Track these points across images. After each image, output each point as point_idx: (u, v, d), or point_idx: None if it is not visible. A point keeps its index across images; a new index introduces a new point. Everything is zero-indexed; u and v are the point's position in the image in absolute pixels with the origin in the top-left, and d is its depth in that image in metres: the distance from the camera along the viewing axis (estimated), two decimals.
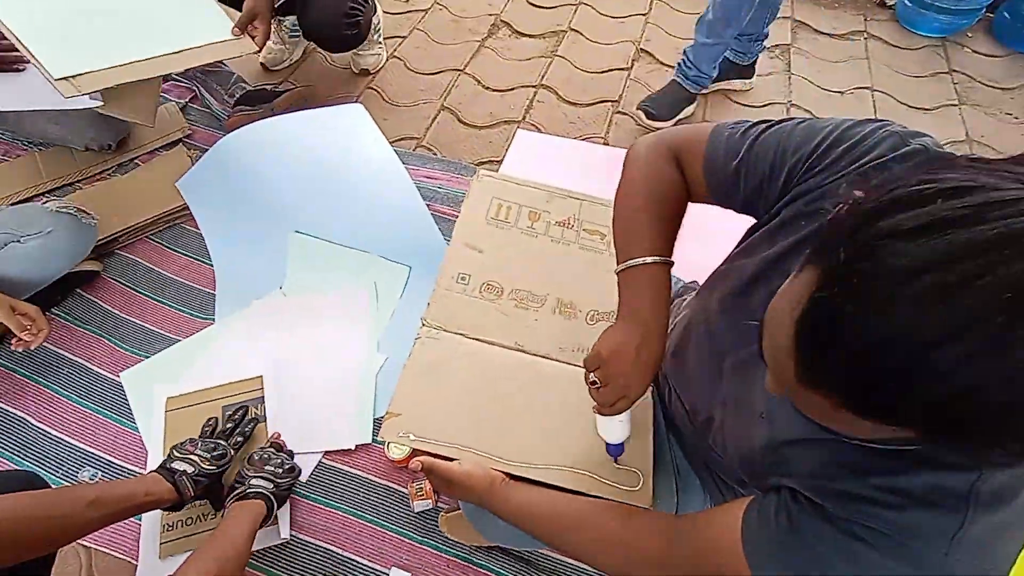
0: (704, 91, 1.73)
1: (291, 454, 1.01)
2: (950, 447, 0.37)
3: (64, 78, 0.96)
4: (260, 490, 0.89)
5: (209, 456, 0.91)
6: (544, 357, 0.80)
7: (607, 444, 0.68)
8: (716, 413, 0.61)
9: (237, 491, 0.89)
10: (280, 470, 0.94)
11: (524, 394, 0.77)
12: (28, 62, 0.99)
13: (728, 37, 1.58)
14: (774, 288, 0.40)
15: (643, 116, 1.70)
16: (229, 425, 1.02)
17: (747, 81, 1.80)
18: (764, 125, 0.57)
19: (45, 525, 0.65)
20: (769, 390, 0.43)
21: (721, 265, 0.63)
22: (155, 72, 1.08)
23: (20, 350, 1.03)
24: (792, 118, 0.56)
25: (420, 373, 0.76)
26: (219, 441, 0.96)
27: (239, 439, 1.01)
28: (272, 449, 0.98)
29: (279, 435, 1.04)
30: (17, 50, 1.05)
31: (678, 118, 1.71)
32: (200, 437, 0.97)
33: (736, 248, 0.61)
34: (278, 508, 0.92)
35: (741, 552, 0.47)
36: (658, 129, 1.55)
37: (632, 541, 0.57)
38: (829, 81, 1.92)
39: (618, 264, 0.63)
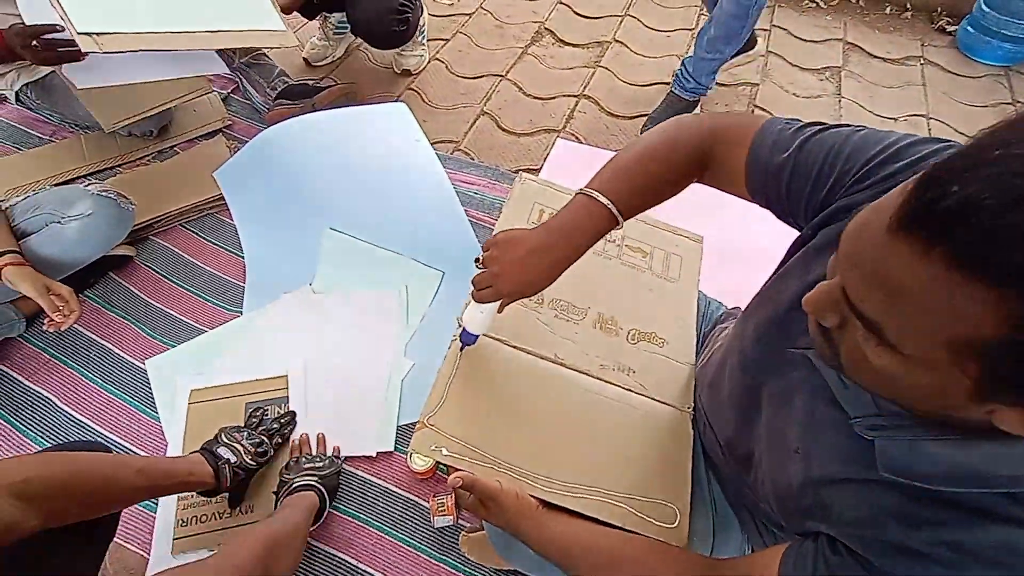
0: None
1: (321, 454, 1.00)
2: None
3: (87, 33, 0.93)
4: (308, 483, 0.88)
5: (253, 451, 0.90)
6: (585, 373, 0.76)
7: (462, 330, 0.69)
8: (755, 448, 0.57)
9: (285, 488, 0.88)
10: (320, 463, 0.94)
11: (563, 412, 0.72)
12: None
13: (728, 53, 1.59)
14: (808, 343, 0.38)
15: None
16: (275, 426, 1.00)
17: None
18: (821, 126, 0.53)
19: (98, 484, 0.65)
20: (813, 309, 0.38)
21: (760, 291, 0.60)
22: (182, 46, 1.06)
23: (51, 330, 1.02)
24: (852, 124, 0.52)
25: (456, 380, 0.72)
26: (263, 438, 0.94)
27: (279, 440, 1.00)
28: (304, 456, 0.97)
29: (307, 436, 1.03)
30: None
31: None
32: (246, 427, 0.96)
33: (774, 272, 0.58)
34: (330, 501, 0.92)
35: None
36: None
37: None
38: (881, 106, 1.85)
39: (586, 185, 0.61)
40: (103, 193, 1.11)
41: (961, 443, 0.37)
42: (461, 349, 0.72)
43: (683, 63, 1.66)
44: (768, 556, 0.47)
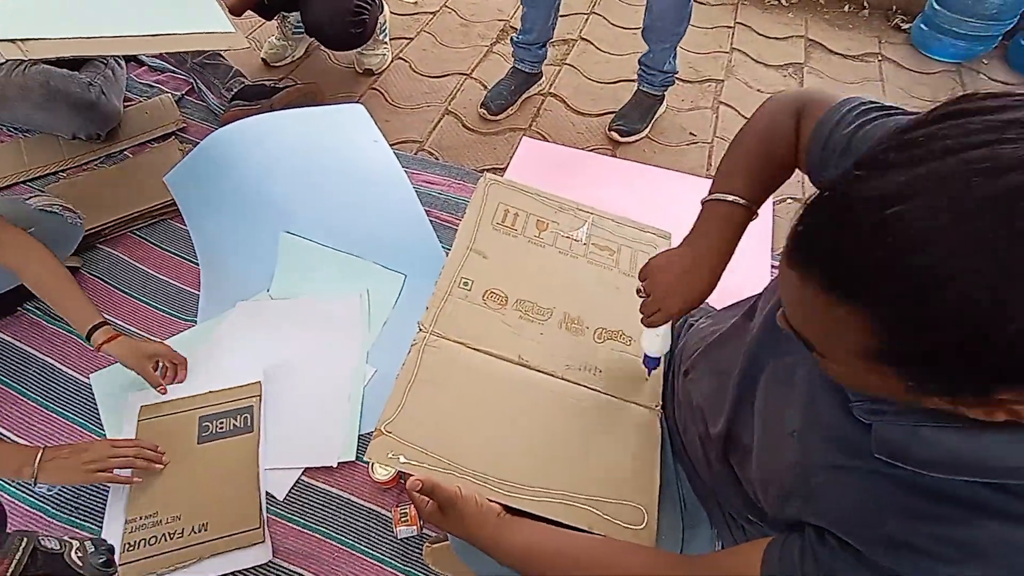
0: (516, 104, 1.72)
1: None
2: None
3: (10, 40, 0.87)
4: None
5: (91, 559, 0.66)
6: (550, 375, 0.74)
7: (644, 356, 0.70)
8: (746, 434, 0.56)
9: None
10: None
11: (527, 415, 0.70)
12: None
13: (682, 32, 1.53)
14: None
15: (618, 136, 1.65)
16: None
17: (539, 83, 1.76)
18: (890, 110, 0.48)
19: None
20: (782, 327, 0.40)
21: (769, 285, 0.60)
22: (118, 51, 1.01)
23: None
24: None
25: (415, 385, 0.70)
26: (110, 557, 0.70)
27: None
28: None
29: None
30: None
31: (652, 121, 1.70)
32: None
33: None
34: None
35: None
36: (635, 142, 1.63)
37: None
38: None
39: (708, 194, 0.63)
40: (47, 208, 1.04)
41: (963, 431, 0.36)
42: (648, 374, 0.73)
43: (640, 62, 1.64)
44: (748, 553, 0.46)
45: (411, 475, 0.62)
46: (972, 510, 0.35)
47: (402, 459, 0.63)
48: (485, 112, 1.70)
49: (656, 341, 0.68)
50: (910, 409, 0.38)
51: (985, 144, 0.27)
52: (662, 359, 0.71)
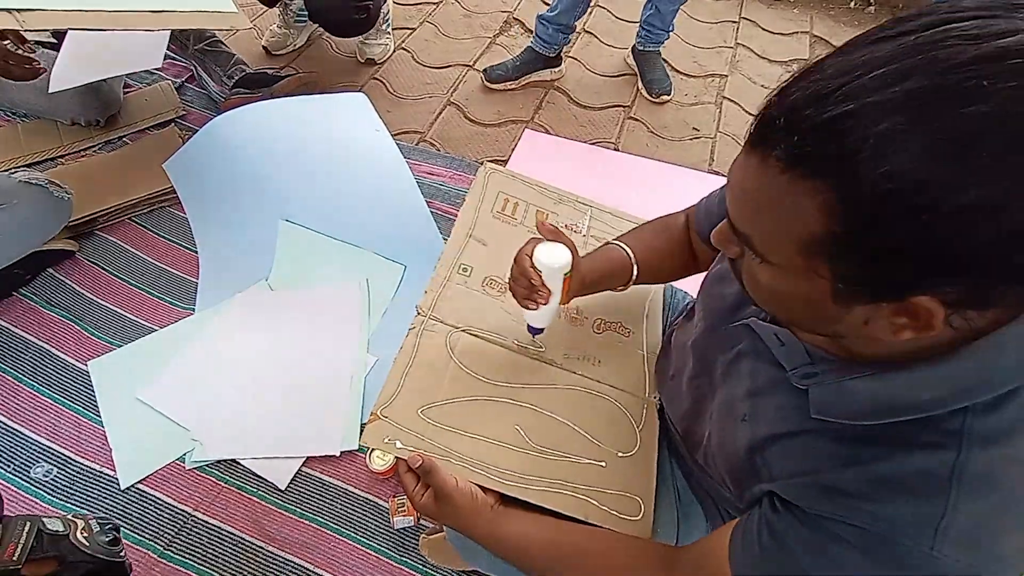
0: (518, 81, 1.76)
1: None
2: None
3: (6, 9, 0.86)
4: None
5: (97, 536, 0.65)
6: (548, 363, 0.73)
7: (528, 325, 0.70)
8: (706, 428, 0.57)
9: None
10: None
11: (524, 402, 0.70)
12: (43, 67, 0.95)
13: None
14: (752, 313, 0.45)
15: (666, 96, 1.74)
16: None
17: (556, 70, 1.80)
18: None
19: None
20: (716, 241, 0.42)
21: (701, 288, 0.62)
22: (116, 25, 1.00)
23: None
24: None
25: (412, 370, 0.69)
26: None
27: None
28: None
29: None
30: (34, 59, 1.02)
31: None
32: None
33: (713, 267, 0.62)
34: None
35: None
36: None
37: (631, 572, 0.53)
38: None
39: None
40: (31, 180, 1.02)
41: (881, 376, 0.38)
42: (533, 338, 0.73)
43: (647, 23, 1.70)
44: (719, 535, 0.47)
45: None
46: (888, 446, 0.38)
47: (398, 444, 0.62)
48: (483, 77, 1.74)
49: (540, 312, 0.66)
50: (836, 367, 0.41)
51: (970, 18, 0.29)
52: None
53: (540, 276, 0.61)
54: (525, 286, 0.62)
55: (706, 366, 0.58)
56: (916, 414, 0.36)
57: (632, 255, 0.68)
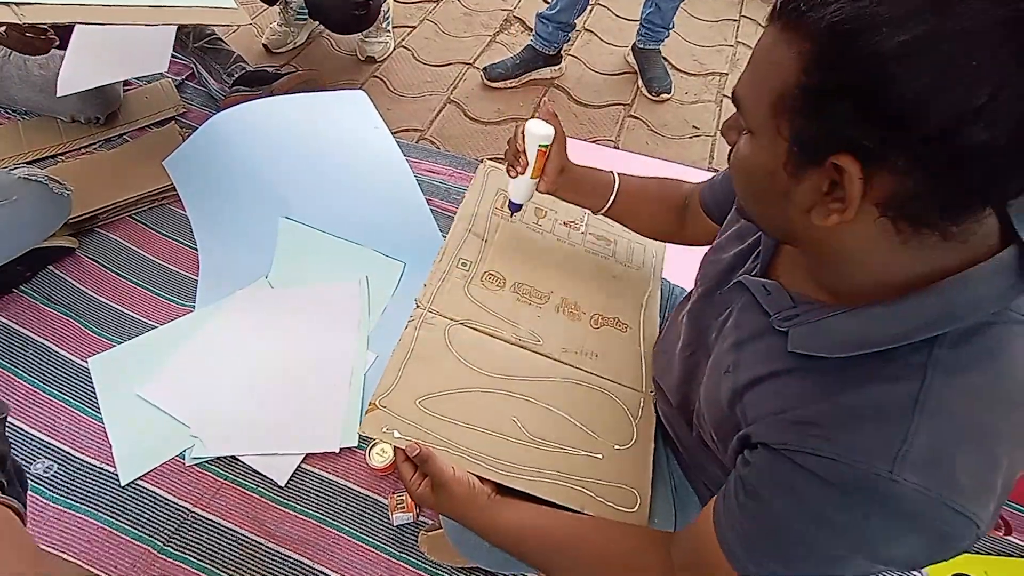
0: (518, 79, 1.78)
1: None
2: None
3: (5, 3, 0.86)
4: None
5: None
6: (546, 356, 0.73)
7: (509, 202, 0.76)
8: (693, 396, 0.58)
9: None
10: None
11: (522, 395, 0.70)
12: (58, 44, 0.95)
13: None
14: (745, 271, 0.49)
15: (666, 95, 1.75)
16: None
17: (556, 68, 1.81)
18: None
19: None
20: (723, 129, 0.45)
21: (704, 256, 0.65)
22: (115, 20, 0.99)
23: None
24: None
25: (410, 361, 0.69)
26: None
27: None
28: None
29: None
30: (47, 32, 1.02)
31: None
32: None
33: (711, 248, 0.64)
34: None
35: (720, 551, 0.44)
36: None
37: (628, 558, 0.52)
38: None
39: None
40: (31, 177, 1.02)
41: (855, 312, 0.40)
42: (511, 215, 0.79)
43: (647, 21, 1.71)
44: (706, 511, 0.48)
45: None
46: (857, 379, 0.39)
47: (396, 434, 0.62)
48: (483, 76, 1.74)
49: (523, 187, 0.73)
50: (816, 309, 0.44)
51: None
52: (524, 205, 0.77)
53: (523, 143, 0.69)
54: (512, 151, 0.70)
55: (699, 333, 0.59)
56: (884, 346, 0.38)
57: (617, 181, 0.74)
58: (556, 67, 1.79)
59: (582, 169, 0.75)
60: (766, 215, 0.45)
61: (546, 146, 0.69)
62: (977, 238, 0.36)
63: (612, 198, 0.74)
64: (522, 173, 0.70)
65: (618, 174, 0.75)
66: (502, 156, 0.76)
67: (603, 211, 0.75)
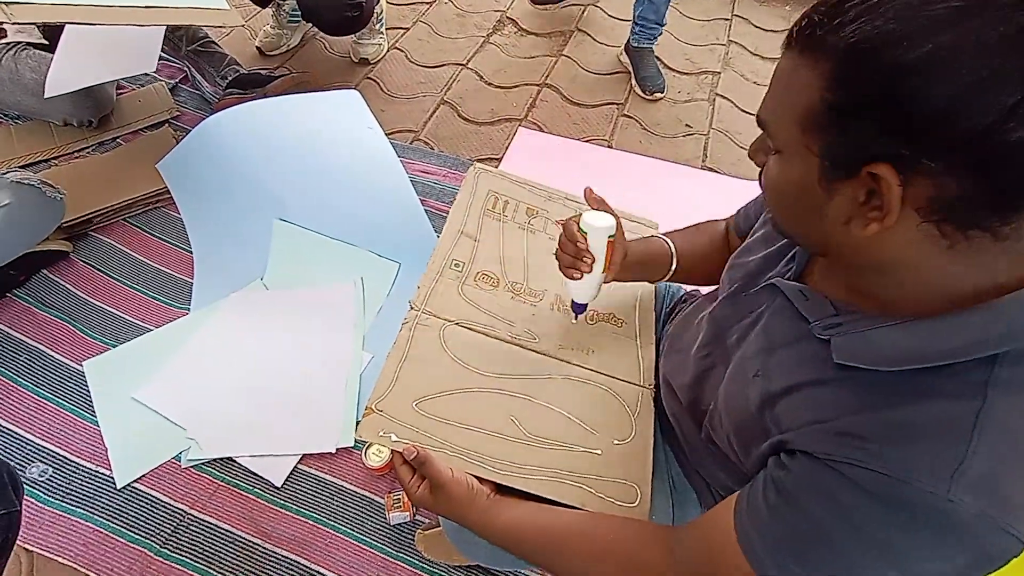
0: (557, 4, 1.97)
1: None
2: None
3: None
4: None
5: None
6: (543, 354, 0.74)
7: (572, 302, 0.72)
8: (706, 395, 0.58)
9: None
10: None
11: (519, 393, 0.70)
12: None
13: None
14: (776, 274, 0.48)
15: (659, 94, 1.77)
16: None
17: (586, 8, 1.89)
18: None
19: None
20: (751, 152, 0.46)
21: (727, 266, 0.64)
22: (106, 20, 0.99)
23: None
24: None
25: (406, 363, 0.69)
26: None
27: None
28: None
29: None
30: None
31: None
32: None
33: (736, 252, 0.63)
34: None
35: (739, 549, 0.43)
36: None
37: (630, 552, 0.52)
38: None
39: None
40: (23, 180, 1.02)
41: (903, 325, 0.40)
42: (575, 318, 0.74)
43: (640, 18, 1.73)
44: (723, 506, 0.47)
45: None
46: (911, 394, 0.38)
47: (393, 437, 0.62)
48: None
49: (585, 287, 0.69)
50: (860, 318, 0.43)
51: None
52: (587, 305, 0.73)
53: (586, 240, 0.63)
54: (571, 251, 0.64)
55: (719, 335, 0.59)
56: (940, 361, 0.37)
57: (673, 249, 0.72)
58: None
59: (639, 247, 0.71)
60: (804, 232, 0.44)
61: (612, 237, 0.64)
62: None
63: (672, 268, 0.72)
64: (588, 272, 0.65)
65: (668, 239, 0.72)
66: (493, 157, 0.75)
67: (664, 280, 0.74)
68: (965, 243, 0.35)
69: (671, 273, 0.72)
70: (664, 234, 0.74)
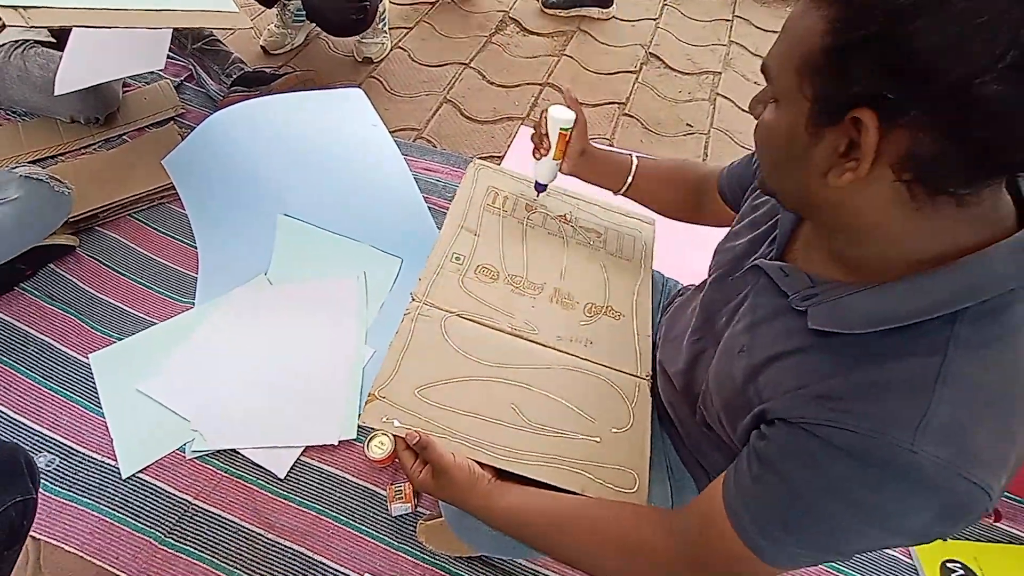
0: (568, 11, 1.96)
1: None
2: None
3: (11, 6, 0.87)
4: None
5: None
6: (542, 345, 0.75)
7: (535, 183, 0.83)
8: (699, 378, 0.59)
9: None
10: None
11: (519, 382, 0.71)
12: None
13: None
14: (760, 255, 0.50)
15: (542, 5, 1.88)
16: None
17: (604, 10, 1.87)
18: None
19: None
20: (751, 104, 0.46)
21: (718, 245, 0.66)
22: (119, 23, 1.01)
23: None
24: None
25: (408, 352, 0.70)
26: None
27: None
28: None
29: None
30: None
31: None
32: None
33: (724, 238, 0.65)
34: None
35: (728, 523, 0.44)
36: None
37: (629, 534, 0.53)
38: None
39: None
40: (32, 175, 1.04)
41: (873, 290, 0.41)
42: (536, 195, 0.85)
43: None
44: (714, 485, 0.48)
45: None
46: (880, 355, 0.39)
47: (396, 423, 0.63)
48: (541, 2, 1.91)
49: (548, 168, 0.80)
50: (835, 287, 0.44)
51: None
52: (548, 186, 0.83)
53: (547, 127, 0.75)
54: (537, 135, 0.77)
55: (709, 318, 0.60)
56: (905, 321, 0.38)
57: (635, 163, 0.78)
58: (605, 9, 1.87)
59: (602, 152, 0.80)
60: (785, 183, 0.45)
61: (567, 130, 0.74)
62: (995, 218, 0.37)
63: (630, 179, 0.79)
64: (545, 155, 0.77)
65: (637, 156, 0.80)
66: (495, 155, 0.80)
67: (622, 191, 0.80)
68: (931, 208, 0.37)
69: (626, 186, 0.79)
70: (639, 156, 0.80)
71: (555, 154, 0.77)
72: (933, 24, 0.31)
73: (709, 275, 0.65)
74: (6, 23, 0.87)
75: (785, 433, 0.42)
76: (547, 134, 0.75)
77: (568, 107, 0.74)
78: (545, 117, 0.75)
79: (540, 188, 0.83)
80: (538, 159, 0.79)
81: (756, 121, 0.46)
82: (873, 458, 0.37)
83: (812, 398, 0.41)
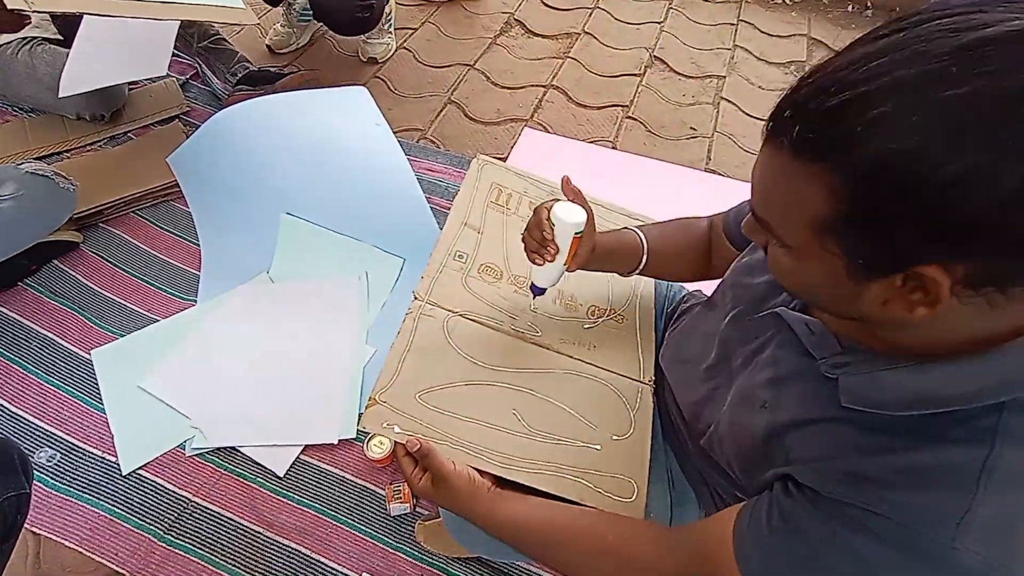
0: None
1: None
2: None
3: None
4: None
5: None
6: (544, 347, 0.75)
7: (532, 284, 0.71)
8: (709, 416, 0.58)
9: None
10: None
11: (521, 386, 0.71)
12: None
13: None
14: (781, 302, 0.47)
15: None
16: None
17: None
18: None
19: None
20: (745, 231, 0.44)
21: (728, 277, 0.63)
22: (123, 13, 1.01)
23: None
24: None
25: (410, 354, 0.70)
26: None
27: None
28: None
29: None
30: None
31: None
32: None
33: (741, 258, 0.62)
34: None
35: (734, 561, 0.44)
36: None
37: (626, 552, 0.52)
38: None
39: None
40: (37, 171, 1.04)
41: (914, 368, 0.39)
42: (533, 298, 0.74)
43: None
44: (724, 516, 0.47)
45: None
46: (919, 438, 0.37)
47: (396, 428, 0.63)
48: None
49: (547, 272, 0.68)
50: (869, 358, 0.42)
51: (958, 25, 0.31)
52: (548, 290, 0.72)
53: (553, 230, 0.62)
54: (537, 238, 0.63)
55: (725, 356, 0.58)
56: (949, 407, 0.36)
57: (644, 242, 0.70)
58: None
59: (610, 239, 0.70)
60: (828, 308, 0.43)
61: (580, 233, 0.63)
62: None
63: (643, 262, 0.71)
64: (551, 261, 0.64)
65: (642, 232, 0.71)
66: (499, 157, 0.76)
67: (635, 273, 0.72)
68: (1003, 299, 0.34)
69: (641, 267, 0.71)
70: (640, 226, 0.73)
71: (566, 260, 0.65)
72: (982, 190, 0.29)
73: (722, 303, 0.62)
74: (9, 6, 0.87)
75: (811, 503, 0.41)
76: (553, 239, 0.62)
77: (572, 201, 0.63)
78: (547, 219, 0.62)
79: (538, 292, 0.71)
80: (540, 265, 0.65)
81: (762, 248, 0.43)
82: (906, 548, 0.36)
83: (843, 475, 0.40)
